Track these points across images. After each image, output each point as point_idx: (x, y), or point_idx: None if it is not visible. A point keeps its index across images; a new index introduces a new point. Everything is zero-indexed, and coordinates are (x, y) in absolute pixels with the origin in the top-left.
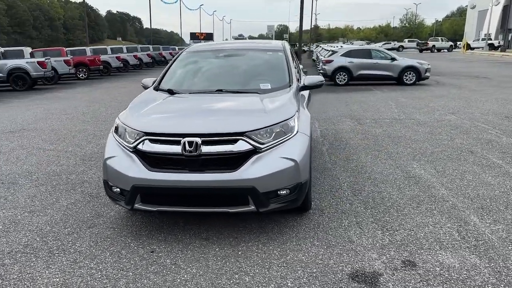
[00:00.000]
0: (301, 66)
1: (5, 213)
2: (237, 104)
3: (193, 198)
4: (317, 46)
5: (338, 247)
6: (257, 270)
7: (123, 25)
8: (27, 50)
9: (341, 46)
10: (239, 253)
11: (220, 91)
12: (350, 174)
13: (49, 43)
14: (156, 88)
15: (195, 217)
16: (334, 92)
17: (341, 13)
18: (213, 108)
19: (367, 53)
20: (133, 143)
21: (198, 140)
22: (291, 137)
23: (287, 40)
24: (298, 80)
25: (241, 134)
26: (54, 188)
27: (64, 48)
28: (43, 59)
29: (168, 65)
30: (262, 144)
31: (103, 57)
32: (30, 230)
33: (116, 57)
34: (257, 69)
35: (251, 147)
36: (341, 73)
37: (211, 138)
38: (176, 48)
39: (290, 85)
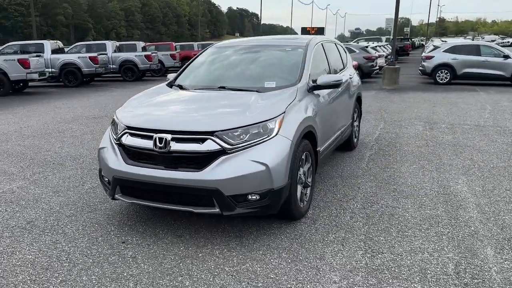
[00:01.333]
0: (350, 65)
1: (36, 191)
2: (224, 103)
3: (162, 194)
4: (431, 41)
5: (302, 263)
6: (203, 276)
7: (241, 21)
8: (140, 44)
9: (445, 42)
10: (200, 255)
11: (222, 88)
12: (375, 185)
13: (176, 38)
14: (170, 84)
15: (184, 214)
16: (429, 91)
17: (472, 4)
18: (197, 105)
19: (474, 50)
20: (118, 135)
21: (168, 136)
22: (266, 140)
23: (407, 34)
24: (313, 80)
25: (210, 133)
26: (89, 172)
27: (173, 43)
28: (149, 53)
29: (190, 60)
30: (232, 145)
31: None
32: (42, 208)
33: None
34: (270, 66)
35: (219, 147)
36: (443, 70)
37: (180, 136)
38: None
39: (295, 84)
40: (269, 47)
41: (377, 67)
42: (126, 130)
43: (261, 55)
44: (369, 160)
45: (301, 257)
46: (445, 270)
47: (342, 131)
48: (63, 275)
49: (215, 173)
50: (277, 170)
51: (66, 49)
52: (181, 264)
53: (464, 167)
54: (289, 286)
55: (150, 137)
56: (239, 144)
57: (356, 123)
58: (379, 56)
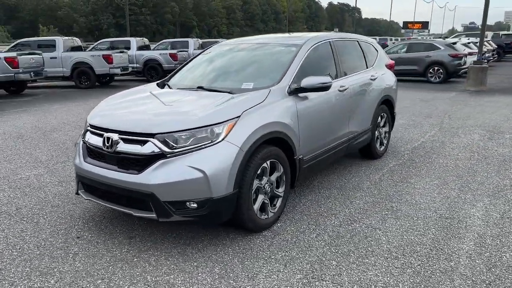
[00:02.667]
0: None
1: (46, 179)
2: (186, 104)
3: (109, 194)
4: None
5: (228, 281)
6: (121, 283)
7: (341, 16)
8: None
9: None
10: (135, 260)
11: (200, 88)
12: (372, 200)
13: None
14: (160, 83)
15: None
16: None
17: None
18: (156, 106)
19: None
20: (83, 132)
21: (115, 136)
22: (210, 145)
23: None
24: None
25: (152, 135)
26: None
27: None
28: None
29: (190, 58)
30: (173, 148)
31: None
32: (38, 197)
33: None
34: (257, 67)
35: (159, 150)
36: None
37: (125, 136)
38: (388, 39)
39: (271, 86)
40: (263, 47)
41: (466, 66)
42: (88, 128)
43: (254, 55)
44: (388, 171)
45: (231, 274)
46: None
47: (353, 138)
48: (4, 263)
49: (151, 177)
50: (217, 178)
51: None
52: (110, 267)
53: (497, 187)
54: None
55: (101, 136)
56: (181, 148)
57: (384, 129)
58: (470, 54)
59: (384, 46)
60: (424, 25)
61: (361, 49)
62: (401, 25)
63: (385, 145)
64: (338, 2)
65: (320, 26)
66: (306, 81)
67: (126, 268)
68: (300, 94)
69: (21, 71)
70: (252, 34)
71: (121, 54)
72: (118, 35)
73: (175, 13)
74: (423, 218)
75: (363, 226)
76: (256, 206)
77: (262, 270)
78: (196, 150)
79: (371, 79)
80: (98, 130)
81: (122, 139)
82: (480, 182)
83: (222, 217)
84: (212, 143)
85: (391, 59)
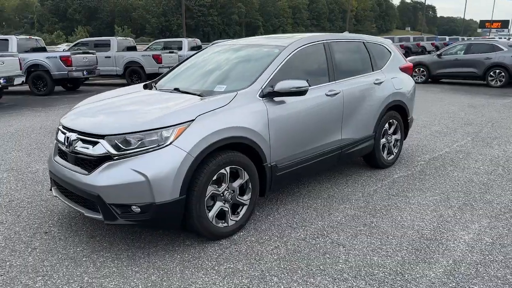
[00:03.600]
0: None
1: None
2: (150, 105)
3: (68, 192)
4: None
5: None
6: (58, 281)
7: (414, 15)
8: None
9: None
10: (83, 259)
11: (176, 89)
12: (355, 214)
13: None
14: (149, 84)
15: None
16: None
17: None
18: (120, 106)
19: None
20: (56, 131)
21: (73, 136)
22: (157, 149)
23: None
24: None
25: (102, 137)
26: None
27: None
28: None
29: (184, 59)
30: (120, 150)
31: None
32: (34, 190)
33: None
34: (237, 68)
35: (106, 152)
36: None
37: (82, 137)
38: (460, 38)
39: (241, 89)
40: (250, 48)
41: None
42: (58, 127)
43: (238, 57)
44: (389, 183)
45: (164, 284)
46: None
47: (347, 146)
48: None
49: (98, 178)
50: (160, 183)
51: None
52: (57, 265)
53: (505, 208)
54: None
55: (64, 134)
56: (128, 150)
57: (394, 137)
58: None
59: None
60: (504, 23)
61: (367, 51)
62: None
63: (394, 154)
64: (412, 0)
65: (390, 25)
66: (280, 85)
67: (70, 267)
68: (276, 98)
69: (74, 69)
70: (318, 32)
71: (171, 54)
72: (187, 35)
73: (241, 14)
74: (399, 237)
75: (327, 242)
76: (212, 213)
77: (197, 281)
78: (142, 154)
79: (375, 83)
80: (64, 129)
81: (80, 139)
82: (488, 200)
83: (168, 224)
84: (159, 147)
85: (447, 60)
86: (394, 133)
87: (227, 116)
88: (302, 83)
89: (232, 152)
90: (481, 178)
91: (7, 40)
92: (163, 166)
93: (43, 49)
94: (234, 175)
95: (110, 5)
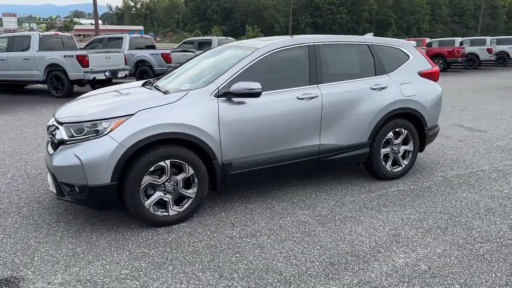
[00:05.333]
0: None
1: None
2: (117, 99)
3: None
4: None
5: (56, 265)
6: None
7: None
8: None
9: None
10: (34, 243)
11: (156, 87)
12: (302, 221)
13: (485, 32)
14: (147, 82)
15: None
16: None
17: None
18: (95, 100)
19: None
20: None
21: (51, 122)
22: (96, 138)
23: None
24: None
25: (61, 124)
26: None
27: (426, 38)
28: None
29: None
30: (70, 137)
31: (470, 49)
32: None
33: (487, 49)
34: (212, 68)
35: (61, 137)
36: None
37: (55, 124)
38: None
39: (192, 89)
40: (234, 49)
41: None
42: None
43: (222, 57)
44: (376, 196)
45: (60, 264)
46: None
47: (329, 151)
48: None
49: (54, 159)
50: (92, 168)
51: None
52: (9, 245)
53: (484, 237)
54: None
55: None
56: (76, 137)
57: (403, 148)
58: None
59: None
60: None
61: (372, 54)
62: None
63: (403, 166)
64: None
65: None
66: (234, 86)
67: (18, 249)
68: (235, 99)
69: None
70: (459, 31)
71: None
72: (313, 34)
73: (372, 11)
74: (327, 248)
75: (251, 242)
76: (150, 201)
77: (106, 258)
78: (84, 141)
79: (373, 88)
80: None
81: (55, 126)
82: (470, 227)
83: (101, 205)
84: (97, 136)
85: None
86: (405, 143)
87: (169, 113)
88: (255, 85)
89: (174, 147)
90: (490, 202)
91: (121, 38)
92: (96, 153)
93: (152, 47)
94: (180, 169)
95: (244, 5)
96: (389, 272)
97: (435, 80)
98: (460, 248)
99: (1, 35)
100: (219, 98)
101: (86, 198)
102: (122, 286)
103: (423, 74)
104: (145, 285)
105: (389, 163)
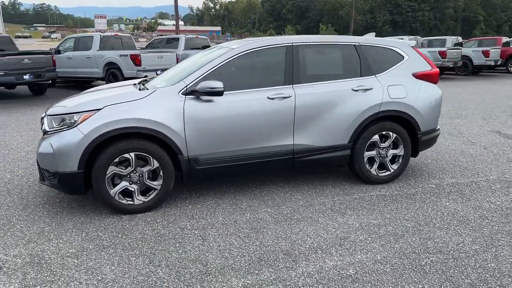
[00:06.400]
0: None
1: None
2: (92, 96)
3: None
4: None
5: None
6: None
7: None
8: (450, 39)
9: None
10: (15, 222)
11: (143, 86)
12: (256, 218)
13: None
14: (142, 81)
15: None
16: None
17: None
18: (84, 96)
19: None
20: None
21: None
22: (67, 130)
23: None
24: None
25: (46, 116)
26: None
27: (502, 37)
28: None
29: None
30: (51, 128)
31: None
32: None
33: None
34: (190, 67)
35: (46, 128)
36: None
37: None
38: None
39: (161, 87)
40: (216, 49)
41: None
42: None
43: (206, 57)
44: (349, 199)
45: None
46: None
47: (304, 152)
48: None
49: (38, 147)
50: (62, 156)
51: None
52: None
53: (437, 247)
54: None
55: None
56: (54, 128)
57: (392, 152)
58: None
59: None
60: None
61: (359, 55)
62: None
63: (392, 170)
64: None
65: None
66: (200, 85)
67: (24, 215)
68: (203, 97)
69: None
70: None
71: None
72: (391, 32)
73: (458, 8)
74: (264, 245)
75: (196, 235)
76: (115, 190)
77: (63, 237)
78: (59, 132)
79: (355, 90)
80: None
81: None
82: (429, 238)
83: (71, 190)
84: (69, 128)
85: None
86: (395, 147)
87: (135, 109)
88: (217, 84)
89: (138, 140)
90: (470, 214)
91: (178, 39)
92: (65, 143)
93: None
94: (146, 161)
95: (320, 3)
96: (311, 272)
97: (434, 81)
98: (402, 257)
99: (73, 35)
100: (186, 96)
101: (58, 183)
102: (62, 263)
103: (419, 76)
104: (82, 263)
105: (375, 167)
